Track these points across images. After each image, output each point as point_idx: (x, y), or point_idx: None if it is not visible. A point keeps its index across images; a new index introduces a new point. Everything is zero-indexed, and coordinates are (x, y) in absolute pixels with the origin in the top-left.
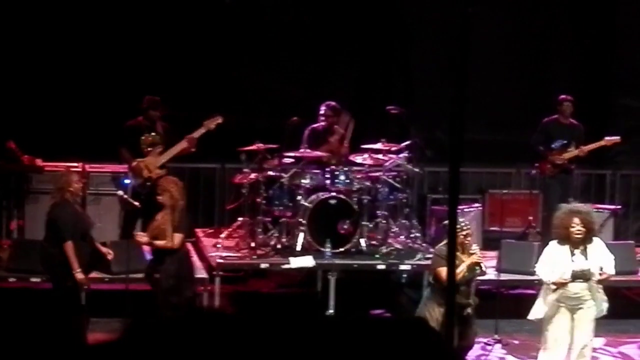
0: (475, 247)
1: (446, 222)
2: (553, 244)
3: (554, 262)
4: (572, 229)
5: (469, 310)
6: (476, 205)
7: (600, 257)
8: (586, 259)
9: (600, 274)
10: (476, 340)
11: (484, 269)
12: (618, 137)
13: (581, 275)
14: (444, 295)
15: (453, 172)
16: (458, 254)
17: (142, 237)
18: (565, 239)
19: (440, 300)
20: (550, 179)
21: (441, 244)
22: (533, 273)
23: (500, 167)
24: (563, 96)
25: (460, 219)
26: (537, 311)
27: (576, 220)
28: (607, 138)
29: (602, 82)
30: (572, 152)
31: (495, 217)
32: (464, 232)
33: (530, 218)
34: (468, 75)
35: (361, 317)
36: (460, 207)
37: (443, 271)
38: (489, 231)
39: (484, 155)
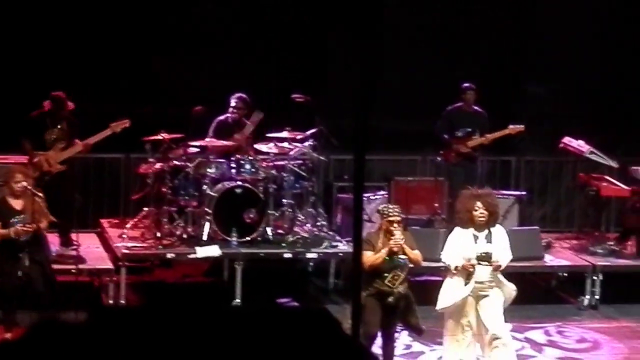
0: (398, 234)
1: (382, 206)
2: (457, 229)
3: (458, 247)
4: (475, 213)
5: (391, 299)
6: (382, 192)
7: (502, 243)
8: (490, 242)
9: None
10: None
11: (413, 257)
12: (522, 126)
13: (486, 258)
14: (366, 281)
15: (358, 160)
16: (382, 240)
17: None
18: (469, 223)
19: (364, 286)
20: (454, 167)
21: (372, 230)
22: (439, 260)
23: (405, 155)
24: (466, 84)
25: (389, 205)
26: (443, 301)
27: (479, 204)
28: (511, 126)
29: (506, 70)
30: (477, 140)
31: (400, 205)
32: (390, 218)
33: (436, 205)
34: (374, 64)
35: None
36: (365, 194)
37: (364, 256)
38: (401, 216)
39: (389, 143)
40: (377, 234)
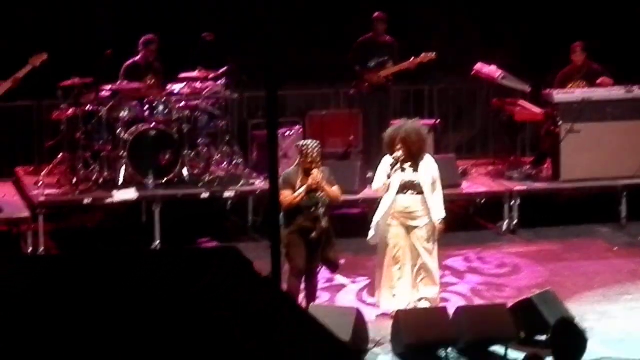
0: (316, 172)
1: (301, 143)
2: (387, 157)
3: (385, 173)
4: (396, 149)
5: (313, 234)
6: (297, 127)
7: (431, 172)
8: (416, 171)
9: (437, 224)
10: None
11: (332, 194)
12: (433, 54)
13: (410, 186)
14: (288, 218)
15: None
16: (301, 178)
17: None
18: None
19: (286, 223)
20: (368, 97)
21: (290, 168)
22: (357, 192)
23: (319, 88)
24: (376, 14)
25: (308, 142)
26: (374, 232)
27: (398, 143)
28: (423, 54)
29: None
30: (389, 69)
31: (316, 138)
32: (309, 158)
33: (352, 137)
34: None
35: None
36: (280, 130)
37: (282, 195)
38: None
39: (301, 77)
40: (295, 171)
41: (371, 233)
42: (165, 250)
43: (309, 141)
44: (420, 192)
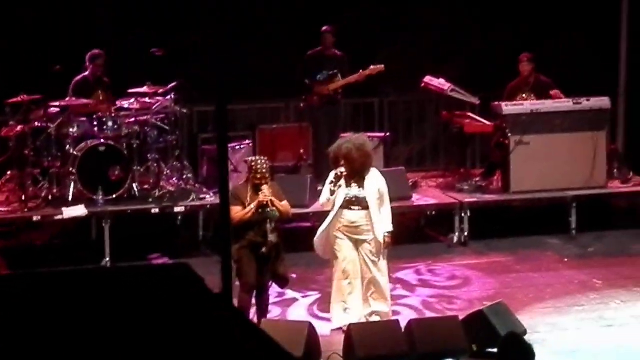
0: (265, 189)
1: (250, 158)
2: (333, 172)
3: (329, 188)
4: (340, 165)
5: (264, 249)
6: (247, 142)
7: (378, 187)
8: (361, 187)
9: (384, 237)
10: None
11: (282, 209)
12: (382, 66)
13: (356, 202)
14: (238, 233)
15: (220, 111)
16: (251, 194)
17: None
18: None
19: (236, 238)
20: (318, 111)
21: (239, 183)
22: (308, 206)
23: (268, 102)
24: (324, 27)
25: (257, 158)
26: (316, 246)
27: (341, 160)
28: (372, 67)
29: (365, 11)
30: (338, 82)
31: (266, 153)
32: (259, 173)
33: (302, 151)
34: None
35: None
36: (230, 144)
37: (232, 211)
38: (270, 167)
39: (251, 91)
40: (244, 187)
41: (315, 243)
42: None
43: (257, 157)
44: (367, 207)
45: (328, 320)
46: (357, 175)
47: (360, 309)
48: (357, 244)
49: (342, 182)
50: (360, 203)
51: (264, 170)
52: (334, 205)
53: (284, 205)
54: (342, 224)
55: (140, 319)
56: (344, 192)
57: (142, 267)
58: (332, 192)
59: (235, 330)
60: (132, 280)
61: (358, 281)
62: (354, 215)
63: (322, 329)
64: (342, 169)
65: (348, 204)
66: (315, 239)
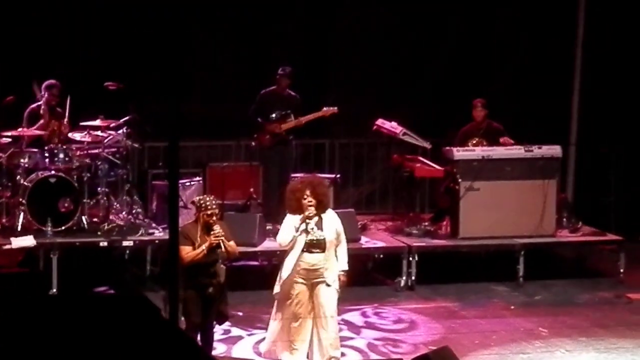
0: (217, 228)
1: (198, 198)
2: (288, 216)
3: (293, 228)
4: (304, 201)
5: (211, 289)
6: (197, 179)
7: (335, 227)
8: (321, 229)
9: (340, 276)
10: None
11: (230, 249)
12: (335, 108)
13: (316, 245)
14: (186, 274)
15: (172, 147)
16: (200, 235)
17: None
18: (298, 210)
19: (184, 278)
20: (269, 150)
21: (188, 222)
22: (256, 244)
23: (219, 140)
24: (281, 70)
25: (203, 197)
26: (279, 288)
27: (307, 192)
28: (325, 108)
29: (318, 54)
30: (291, 122)
31: (216, 190)
32: (209, 212)
33: (251, 190)
34: (185, 50)
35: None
36: (181, 181)
37: (182, 251)
38: (217, 207)
39: (203, 129)
40: (194, 227)
41: (276, 288)
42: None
43: (206, 197)
44: (324, 249)
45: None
46: (322, 210)
47: (307, 350)
48: (312, 287)
49: (309, 223)
50: (320, 245)
51: (214, 207)
52: (292, 247)
53: (232, 245)
54: (301, 267)
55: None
56: (304, 235)
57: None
58: (297, 230)
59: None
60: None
61: (308, 322)
62: (313, 259)
63: None
64: (311, 211)
65: (308, 246)
66: (278, 281)
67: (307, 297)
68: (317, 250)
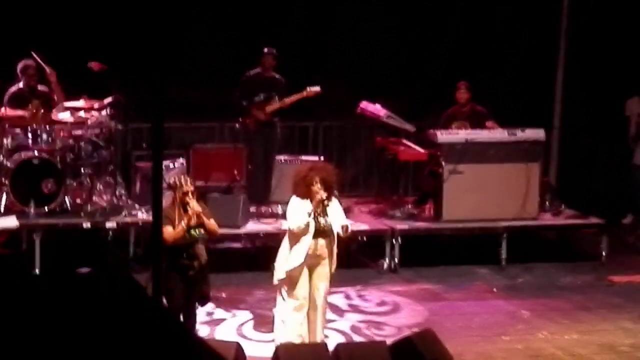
0: (193, 203)
1: (173, 178)
2: (295, 198)
3: (301, 213)
4: (313, 187)
5: (191, 272)
6: (180, 160)
7: (337, 214)
8: (327, 215)
9: (342, 229)
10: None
11: (210, 226)
12: (318, 87)
13: (322, 232)
14: (167, 256)
15: (156, 128)
16: (179, 213)
17: None
18: (306, 196)
19: (165, 261)
20: (253, 133)
21: (166, 205)
22: (239, 226)
23: (203, 122)
24: (266, 49)
25: (181, 177)
26: (280, 273)
27: (317, 179)
28: (308, 88)
29: (310, 37)
30: (275, 104)
31: (200, 172)
32: (184, 189)
33: (235, 172)
34: (168, 30)
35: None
36: (164, 162)
37: (165, 232)
38: (194, 186)
39: (187, 111)
40: (172, 207)
41: (281, 275)
42: (55, 275)
43: (181, 176)
44: (328, 236)
45: (257, 341)
46: (330, 199)
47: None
48: (310, 272)
49: (308, 209)
50: (326, 233)
51: (189, 185)
52: (303, 232)
53: (212, 223)
54: (308, 254)
55: (80, 326)
56: (312, 222)
57: (84, 275)
58: (311, 216)
59: (176, 339)
60: (73, 287)
61: (305, 309)
62: (318, 245)
63: (250, 349)
64: (324, 194)
65: (317, 234)
66: (282, 271)
67: (307, 281)
68: (322, 237)
